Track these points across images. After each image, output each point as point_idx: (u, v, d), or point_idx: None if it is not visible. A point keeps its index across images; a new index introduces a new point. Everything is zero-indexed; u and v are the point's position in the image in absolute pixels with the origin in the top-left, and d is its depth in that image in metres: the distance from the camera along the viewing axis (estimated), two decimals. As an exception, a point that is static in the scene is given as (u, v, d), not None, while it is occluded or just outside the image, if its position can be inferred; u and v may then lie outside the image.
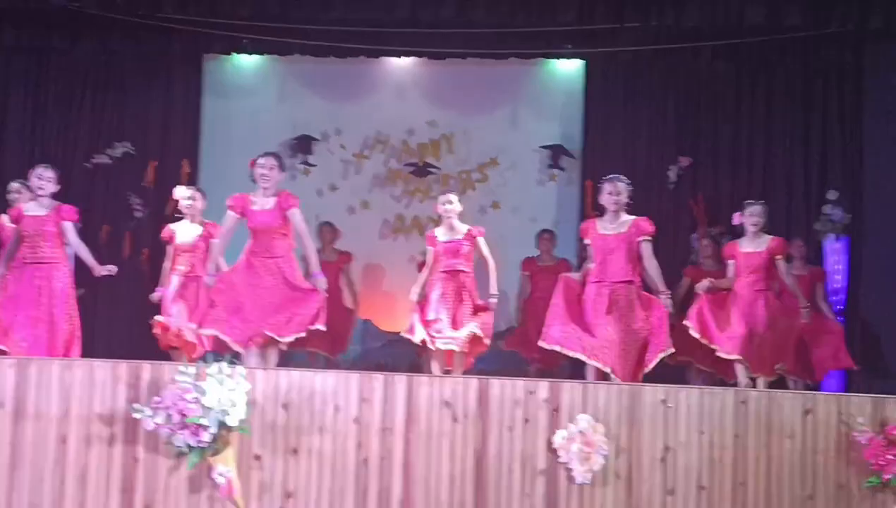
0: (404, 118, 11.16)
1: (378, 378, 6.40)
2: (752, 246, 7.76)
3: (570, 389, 6.35)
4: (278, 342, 7.01)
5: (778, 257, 7.76)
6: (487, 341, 8.06)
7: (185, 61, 10.90)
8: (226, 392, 6.11)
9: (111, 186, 10.57)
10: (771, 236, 7.80)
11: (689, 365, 8.68)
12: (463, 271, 8.07)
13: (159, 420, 6.13)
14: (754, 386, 7.58)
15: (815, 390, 8.71)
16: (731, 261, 7.83)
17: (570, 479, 6.23)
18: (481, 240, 8.16)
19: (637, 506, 6.24)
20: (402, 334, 8.16)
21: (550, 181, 11.03)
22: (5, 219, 7.94)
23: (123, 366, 6.39)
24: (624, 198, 7.25)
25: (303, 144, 11.08)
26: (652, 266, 7.14)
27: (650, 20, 9.45)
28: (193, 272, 8.16)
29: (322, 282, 7.08)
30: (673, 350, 7.11)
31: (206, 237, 8.08)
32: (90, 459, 6.30)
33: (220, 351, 7.11)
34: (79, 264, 7.72)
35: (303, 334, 7.01)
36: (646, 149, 10.52)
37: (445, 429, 6.30)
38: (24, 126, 10.53)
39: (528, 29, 10.00)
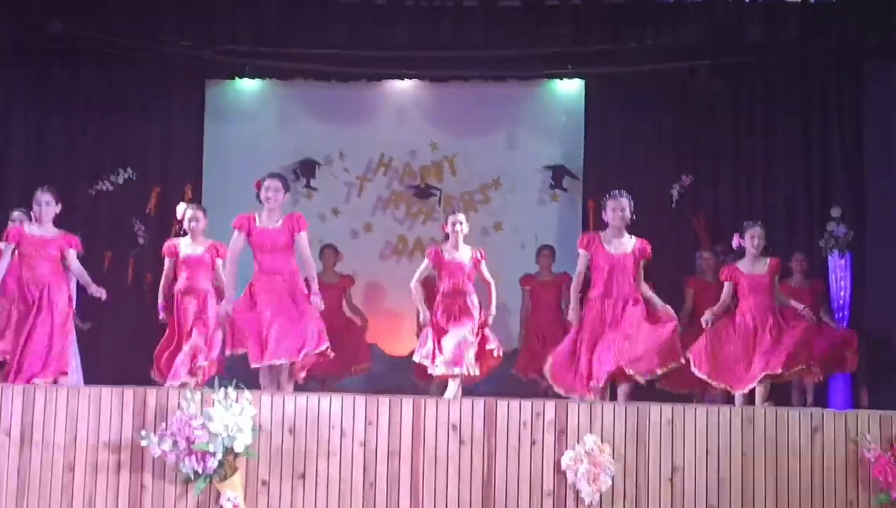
0: (406, 141, 11.17)
1: (384, 401, 6.39)
2: (755, 268, 7.77)
3: (576, 410, 6.34)
4: (292, 368, 7.13)
5: (776, 275, 7.84)
6: (498, 353, 8.02)
7: (187, 87, 10.91)
8: (232, 417, 6.11)
9: (114, 212, 10.56)
10: (769, 257, 7.81)
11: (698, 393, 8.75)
12: (465, 291, 8.04)
13: (166, 446, 6.14)
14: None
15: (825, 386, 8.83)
16: (728, 283, 7.81)
17: (579, 500, 6.22)
18: (484, 264, 8.13)
19: (645, 526, 6.24)
20: (421, 361, 8.06)
21: (552, 201, 11.03)
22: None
23: (130, 393, 6.40)
24: (627, 214, 7.31)
25: (305, 168, 11.09)
26: (645, 285, 7.30)
27: (648, 39, 9.48)
28: (195, 284, 8.07)
29: (319, 303, 7.16)
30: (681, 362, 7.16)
31: (212, 253, 8.06)
32: (97, 487, 6.31)
33: (226, 376, 7.11)
34: (85, 298, 7.73)
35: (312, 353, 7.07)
36: (647, 167, 10.51)
37: (452, 452, 6.29)
38: (27, 153, 10.52)
39: (527, 50, 10.03)
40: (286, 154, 11.06)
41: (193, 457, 6.10)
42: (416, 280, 8.15)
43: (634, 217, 7.39)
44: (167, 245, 8.36)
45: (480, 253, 8.16)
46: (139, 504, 6.29)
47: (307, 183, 11.07)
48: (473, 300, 8.02)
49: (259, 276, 7.20)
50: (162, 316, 8.18)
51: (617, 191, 7.46)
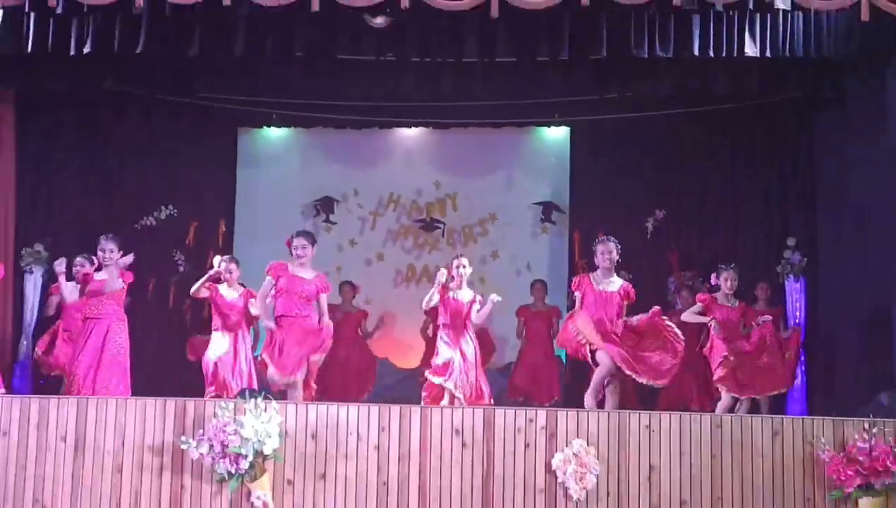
0: (413, 180, 11.19)
1: (395, 409, 6.39)
2: (728, 302, 8.04)
3: (565, 417, 6.34)
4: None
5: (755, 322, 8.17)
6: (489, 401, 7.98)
7: (221, 134, 10.94)
8: (261, 424, 6.11)
9: (157, 244, 10.56)
10: (739, 300, 8.12)
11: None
12: (462, 328, 8.03)
13: (203, 450, 6.13)
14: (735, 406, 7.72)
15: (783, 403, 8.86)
16: (700, 304, 8.02)
17: (567, 497, 6.21)
18: (475, 307, 8.09)
19: (627, 520, 6.22)
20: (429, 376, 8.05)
21: (543, 233, 11.04)
22: (63, 284, 8.07)
23: (171, 403, 6.40)
24: (615, 256, 7.38)
25: (325, 205, 11.11)
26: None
27: (627, 91, 9.51)
28: (230, 326, 8.15)
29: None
30: None
31: (245, 298, 8.14)
32: (143, 486, 6.30)
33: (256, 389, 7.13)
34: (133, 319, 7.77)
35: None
36: (625, 203, 10.52)
37: (455, 454, 6.29)
38: (81, 192, 10.56)
39: (520, 101, 10.07)
40: (308, 192, 11.09)
41: (227, 460, 6.10)
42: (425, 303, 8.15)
43: (619, 260, 7.49)
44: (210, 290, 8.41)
45: (480, 298, 8.07)
46: (179, 502, 6.28)
47: (327, 218, 11.09)
48: (470, 335, 8.00)
49: (281, 318, 7.28)
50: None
51: (605, 236, 7.57)
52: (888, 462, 6.06)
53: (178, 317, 10.30)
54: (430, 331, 9.23)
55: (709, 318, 7.92)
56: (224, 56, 8.80)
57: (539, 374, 9.63)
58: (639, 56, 8.45)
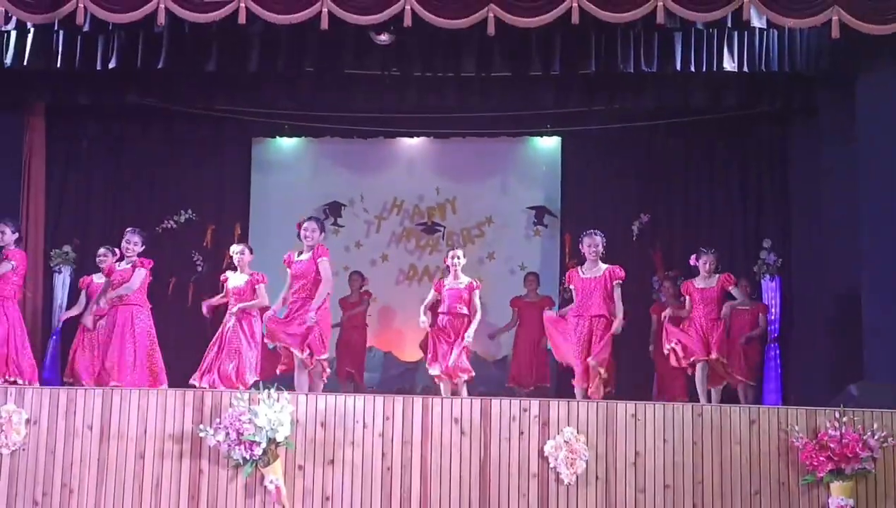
0: (415, 186, 11.16)
1: (399, 399, 6.39)
2: (705, 283, 7.98)
3: (556, 406, 6.33)
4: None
5: (730, 287, 8.10)
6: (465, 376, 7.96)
7: (236, 143, 10.92)
8: (274, 413, 6.11)
9: (177, 246, 10.55)
10: (719, 274, 7.99)
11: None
12: (463, 314, 7.98)
13: (220, 437, 6.13)
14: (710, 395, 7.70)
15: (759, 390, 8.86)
16: (687, 296, 8.02)
17: (559, 481, 6.20)
18: (477, 293, 8.05)
19: (614, 502, 6.21)
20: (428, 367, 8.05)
21: (536, 236, 11.02)
22: (94, 278, 8.03)
23: (190, 394, 6.40)
24: (600, 249, 7.40)
25: (333, 209, 11.09)
26: (618, 301, 7.40)
27: (614, 103, 9.50)
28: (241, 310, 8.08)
29: (312, 318, 7.15)
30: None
31: (252, 283, 8.05)
32: (163, 471, 6.29)
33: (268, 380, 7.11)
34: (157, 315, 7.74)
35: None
36: (612, 207, 10.51)
37: (455, 441, 6.28)
38: (105, 199, 10.56)
39: (514, 112, 10.06)
40: (317, 198, 11.06)
41: (242, 446, 6.09)
42: (424, 307, 8.12)
43: (605, 251, 7.53)
44: (223, 277, 8.35)
45: (476, 282, 8.06)
46: (198, 486, 6.27)
47: (335, 221, 11.06)
48: (467, 323, 7.95)
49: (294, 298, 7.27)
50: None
51: (591, 230, 7.58)
52: (857, 449, 6.05)
53: (196, 314, 10.27)
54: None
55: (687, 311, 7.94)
56: (239, 70, 8.80)
57: (531, 360, 9.63)
58: (625, 71, 8.46)
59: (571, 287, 7.52)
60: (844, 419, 6.15)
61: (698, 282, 7.98)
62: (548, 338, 7.94)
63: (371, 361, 10.23)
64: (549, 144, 11.03)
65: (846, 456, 6.05)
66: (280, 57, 8.64)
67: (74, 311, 8.71)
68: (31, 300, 9.37)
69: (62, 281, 9.80)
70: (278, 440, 6.10)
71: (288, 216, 10.48)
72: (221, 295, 8.15)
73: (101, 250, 8.34)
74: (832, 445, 6.07)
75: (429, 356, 7.86)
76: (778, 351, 9.51)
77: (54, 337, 9.58)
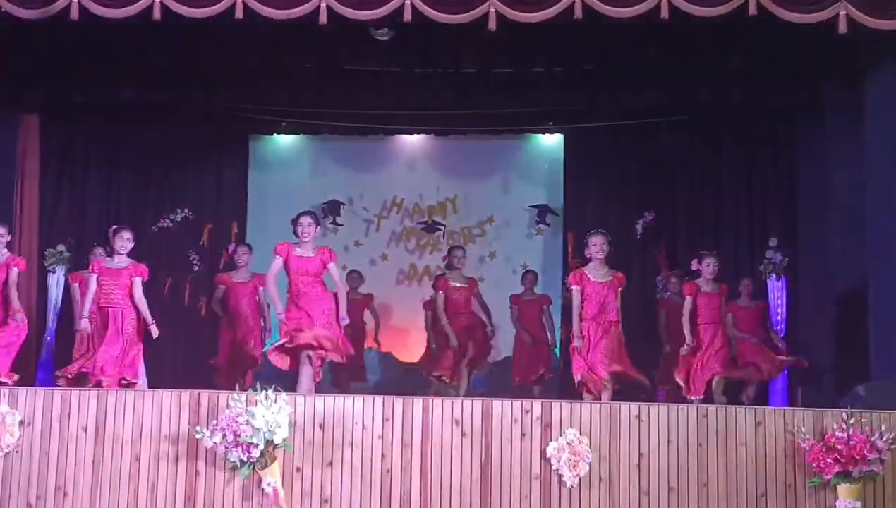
0: (415, 185, 11.18)
1: (398, 400, 6.36)
2: (710, 288, 8.06)
3: (559, 408, 6.31)
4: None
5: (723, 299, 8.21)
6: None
7: (234, 141, 10.94)
8: (272, 415, 6.07)
9: (173, 245, 10.56)
10: (719, 282, 8.08)
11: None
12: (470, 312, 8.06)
13: (216, 439, 6.10)
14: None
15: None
16: (689, 297, 8.02)
17: (561, 483, 6.17)
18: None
19: (617, 505, 6.17)
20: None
21: (538, 234, 11.03)
22: (86, 274, 7.97)
23: (186, 395, 6.36)
24: (607, 249, 7.37)
25: (332, 207, 11.11)
26: (618, 307, 7.42)
27: (616, 100, 9.49)
28: (240, 308, 8.10)
29: (345, 323, 7.20)
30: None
31: (254, 284, 8.07)
32: (159, 474, 6.25)
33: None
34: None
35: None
36: (616, 205, 10.51)
37: (455, 443, 6.25)
38: (100, 198, 10.56)
39: (516, 110, 10.04)
40: (316, 196, 11.06)
41: (240, 448, 6.05)
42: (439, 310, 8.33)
43: (609, 250, 7.50)
44: (220, 277, 8.34)
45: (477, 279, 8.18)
46: (194, 489, 6.24)
47: (333, 220, 11.08)
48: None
49: (292, 297, 7.18)
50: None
51: (597, 229, 7.53)
52: (865, 451, 6.02)
53: (193, 314, 10.28)
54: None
55: (689, 344, 7.98)
56: (236, 67, 8.79)
57: (530, 356, 9.62)
58: (628, 67, 8.44)
59: (577, 288, 7.43)
60: (852, 420, 6.12)
61: (703, 286, 8.00)
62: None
63: (370, 362, 10.22)
64: (551, 142, 11.02)
65: (853, 458, 6.02)
66: (278, 53, 8.63)
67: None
68: (26, 300, 9.35)
69: (56, 281, 9.79)
70: (276, 441, 6.06)
71: (286, 214, 10.37)
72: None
73: (98, 249, 8.33)
74: (839, 447, 6.04)
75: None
76: (783, 348, 9.48)
77: (49, 338, 9.59)
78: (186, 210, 10.63)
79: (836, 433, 6.10)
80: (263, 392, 6.17)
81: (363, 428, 6.26)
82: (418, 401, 6.34)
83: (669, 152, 10.50)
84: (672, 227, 10.46)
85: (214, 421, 6.15)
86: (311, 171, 11.22)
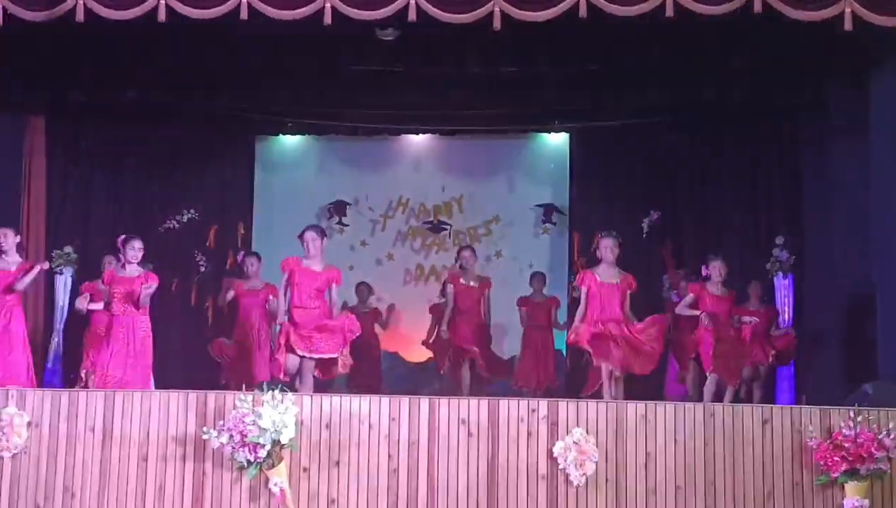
0: (421, 184, 11.17)
1: (405, 400, 6.36)
2: (719, 292, 7.98)
3: (565, 407, 6.30)
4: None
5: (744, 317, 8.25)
6: None
7: (240, 142, 10.94)
8: (278, 415, 6.08)
9: (180, 246, 10.57)
10: (728, 288, 8.06)
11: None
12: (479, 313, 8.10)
13: (223, 440, 6.11)
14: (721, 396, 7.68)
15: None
16: (691, 295, 8.01)
17: (568, 482, 6.17)
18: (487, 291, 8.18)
19: (624, 504, 6.17)
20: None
21: (544, 233, 11.02)
22: (100, 285, 8.03)
23: (193, 396, 6.37)
24: (617, 250, 7.36)
25: (338, 208, 11.10)
26: (628, 310, 7.37)
27: (622, 99, 9.48)
28: (251, 316, 8.13)
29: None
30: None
31: (265, 293, 8.10)
32: (167, 474, 6.27)
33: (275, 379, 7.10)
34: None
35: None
36: (622, 204, 10.49)
37: (462, 443, 6.25)
38: (106, 200, 10.57)
39: (521, 109, 10.04)
40: (322, 196, 11.07)
41: (246, 449, 6.07)
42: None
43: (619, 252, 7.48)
44: (233, 285, 8.43)
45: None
46: (202, 489, 6.25)
47: (339, 220, 11.08)
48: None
49: (293, 309, 7.28)
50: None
51: (607, 231, 7.54)
52: (872, 449, 6.01)
53: (200, 315, 10.30)
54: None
55: (699, 312, 7.89)
56: (241, 68, 8.79)
57: (538, 361, 9.61)
58: (633, 66, 8.43)
59: (584, 289, 7.42)
60: (859, 418, 6.11)
61: (712, 289, 7.95)
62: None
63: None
64: (556, 141, 11.01)
65: (861, 456, 6.01)
66: (283, 54, 8.63)
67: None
68: (33, 301, 9.37)
69: (63, 282, 9.79)
70: (283, 442, 6.07)
71: (292, 215, 10.53)
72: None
73: (109, 257, 8.36)
74: (847, 445, 6.03)
75: None
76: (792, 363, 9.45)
77: (56, 339, 9.60)
78: (192, 211, 10.63)
79: (844, 431, 6.09)
80: (270, 392, 6.17)
81: (370, 428, 6.27)
82: (425, 401, 6.34)
83: (674, 151, 10.48)
84: (678, 226, 10.44)
85: (221, 422, 6.16)
86: (317, 172, 11.21)
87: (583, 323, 7.26)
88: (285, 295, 7.40)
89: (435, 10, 6.88)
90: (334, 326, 7.22)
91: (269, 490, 6.15)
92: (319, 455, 6.24)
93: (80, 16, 6.94)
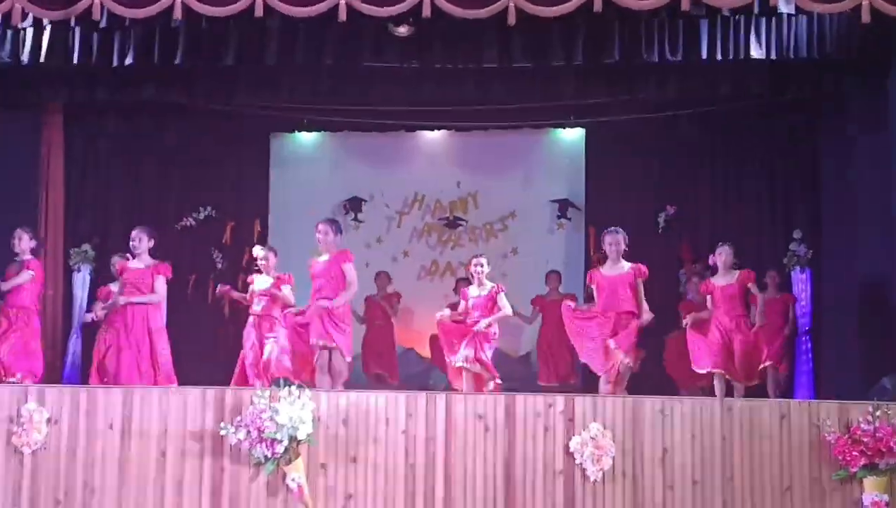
0: (436, 180, 11.16)
1: (421, 396, 6.38)
2: (725, 280, 7.91)
3: (582, 402, 6.30)
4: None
5: (749, 284, 7.93)
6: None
7: (255, 139, 10.97)
8: (295, 411, 6.12)
9: (197, 243, 10.62)
10: (740, 270, 7.91)
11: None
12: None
13: (241, 435, 6.15)
14: (731, 393, 7.64)
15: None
16: (709, 296, 7.98)
17: (585, 478, 6.17)
18: (502, 295, 8.13)
19: (641, 499, 6.17)
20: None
21: (559, 229, 10.99)
22: (113, 287, 8.11)
23: (211, 392, 6.41)
24: (622, 246, 7.40)
25: (353, 204, 11.12)
26: (642, 298, 7.38)
27: (637, 94, 9.43)
28: (266, 312, 8.13)
29: (324, 303, 7.32)
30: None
31: (277, 286, 8.10)
32: (185, 470, 6.32)
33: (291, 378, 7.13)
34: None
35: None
36: (637, 199, 10.46)
37: (479, 438, 6.27)
38: (123, 197, 10.62)
39: (536, 104, 10.01)
40: (337, 193, 11.09)
41: (264, 444, 6.10)
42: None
43: (628, 247, 7.51)
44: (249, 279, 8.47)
45: (499, 286, 8.19)
46: (220, 485, 6.30)
47: (355, 217, 11.09)
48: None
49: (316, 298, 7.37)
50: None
51: (613, 227, 7.57)
52: (891, 444, 5.99)
53: (216, 312, 10.34)
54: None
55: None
56: (257, 65, 8.80)
57: (555, 359, 9.61)
58: (649, 60, 8.39)
59: (593, 286, 7.48)
60: (878, 412, 6.08)
61: (718, 280, 7.92)
62: (569, 332, 7.74)
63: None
64: (572, 136, 10.98)
65: (880, 451, 5.99)
66: (298, 50, 8.63)
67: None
68: (52, 299, 9.43)
69: (81, 280, 9.88)
70: (300, 438, 6.10)
71: (308, 211, 10.53)
72: (245, 294, 8.21)
73: (115, 257, 8.44)
74: (865, 439, 6.01)
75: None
76: (809, 345, 9.45)
77: (75, 337, 9.67)
78: (209, 208, 10.67)
79: (862, 425, 6.07)
80: (287, 388, 6.20)
81: (387, 424, 6.29)
82: (441, 397, 6.36)
83: (691, 145, 10.44)
84: (694, 221, 10.40)
85: (239, 418, 6.20)
86: (332, 168, 11.23)
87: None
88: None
89: (449, 5, 6.88)
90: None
91: (287, 485, 6.18)
92: (336, 451, 6.27)
93: (96, 14, 6.98)
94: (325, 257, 7.47)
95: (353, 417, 6.30)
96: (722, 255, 7.90)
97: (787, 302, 9.17)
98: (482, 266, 8.12)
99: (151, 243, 7.56)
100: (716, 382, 7.85)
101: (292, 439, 6.11)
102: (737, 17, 8.11)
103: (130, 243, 7.57)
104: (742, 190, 10.31)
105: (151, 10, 6.97)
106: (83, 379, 9.09)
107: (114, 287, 8.38)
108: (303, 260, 7.71)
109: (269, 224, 10.79)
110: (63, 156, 9.98)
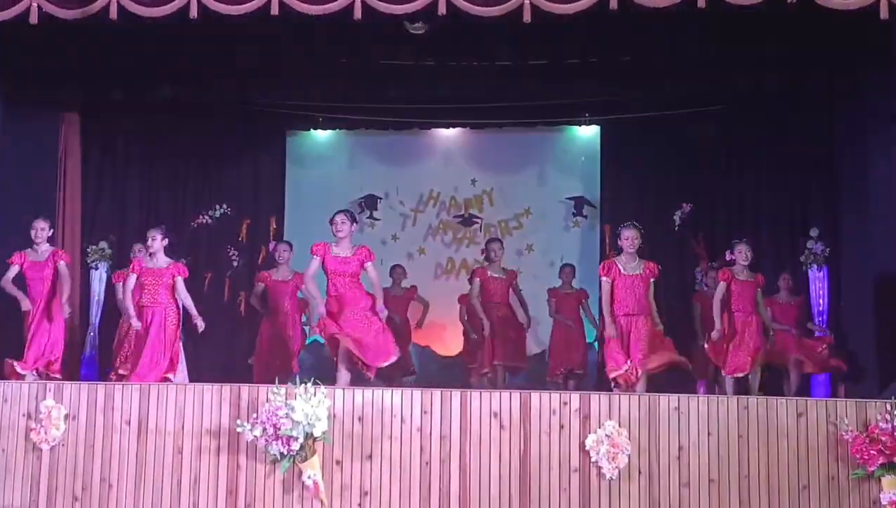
0: (451, 178, 11.16)
1: (437, 393, 6.37)
2: (744, 276, 7.93)
3: (597, 400, 6.29)
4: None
5: (758, 289, 8.01)
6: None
7: (272, 137, 10.99)
8: (311, 408, 6.12)
9: (213, 241, 10.64)
10: (758, 272, 7.98)
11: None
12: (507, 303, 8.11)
13: (257, 433, 6.16)
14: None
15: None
16: (722, 283, 7.93)
17: (600, 475, 6.16)
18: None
19: (657, 497, 6.15)
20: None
21: (575, 227, 10.97)
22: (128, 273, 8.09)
23: (227, 389, 6.43)
24: (638, 242, 7.33)
25: (369, 202, 11.13)
26: (652, 298, 7.39)
27: (652, 91, 9.41)
28: (281, 306, 8.17)
29: (384, 314, 7.20)
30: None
31: (295, 282, 8.14)
32: (201, 467, 6.34)
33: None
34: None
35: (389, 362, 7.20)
36: (653, 197, 10.42)
37: (494, 436, 6.25)
38: (142, 194, 10.67)
39: (551, 102, 9.99)
40: (353, 191, 11.10)
41: (280, 441, 6.11)
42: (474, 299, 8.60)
43: (643, 243, 7.47)
44: (260, 275, 8.48)
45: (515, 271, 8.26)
46: (236, 481, 6.31)
47: (371, 214, 11.11)
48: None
49: (330, 298, 7.23)
50: None
51: (629, 222, 7.50)
52: (910, 443, 5.95)
53: (232, 309, 10.37)
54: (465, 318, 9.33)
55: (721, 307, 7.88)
56: (272, 64, 8.82)
57: (570, 350, 9.60)
58: (664, 57, 8.36)
59: (606, 279, 7.38)
60: (895, 411, 6.04)
61: (738, 274, 7.90)
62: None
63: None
64: (587, 133, 10.96)
65: (898, 450, 5.94)
66: (313, 49, 8.65)
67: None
68: (69, 297, 9.49)
69: (99, 278, 9.94)
70: (316, 435, 6.11)
71: (323, 209, 10.48)
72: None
73: (137, 245, 8.46)
74: (883, 438, 5.96)
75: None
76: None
77: (92, 334, 9.72)
78: (225, 206, 10.69)
79: (880, 424, 6.02)
80: (303, 385, 6.21)
81: (402, 421, 6.29)
82: (456, 394, 6.35)
83: (706, 142, 10.38)
84: (710, 218, 10.35)
85: (255, 415, 6.21)
86: (348, 166, 11.24)
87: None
88: (313, 280, 7.32)
89: (464, 3, 6.87)
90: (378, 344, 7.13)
91: (303, 482, 6.19)
92: (352, 448, 6.28)
93: (113, 14, 7.00)
94: (343, 252, 7.25)
95: (369, 414, 6.30)
96: (742, 253, 7.90)
97: (799, 307, 9.11)
98: (502, 250, 8.47)
99: (166, 242, 7.56)
100: (751, 380, 7.88)
101: (308, 436, 6.11)
102: (752, 12, 8.05)
103: (147, 242, 7.57)
104: (758, 187, 10.25)
105: (167, 9, 6.98)
106: (101, 375, 9.16)
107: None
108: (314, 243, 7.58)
109: (285, 222, 10.81)
110: (80, 155, 10.05)
